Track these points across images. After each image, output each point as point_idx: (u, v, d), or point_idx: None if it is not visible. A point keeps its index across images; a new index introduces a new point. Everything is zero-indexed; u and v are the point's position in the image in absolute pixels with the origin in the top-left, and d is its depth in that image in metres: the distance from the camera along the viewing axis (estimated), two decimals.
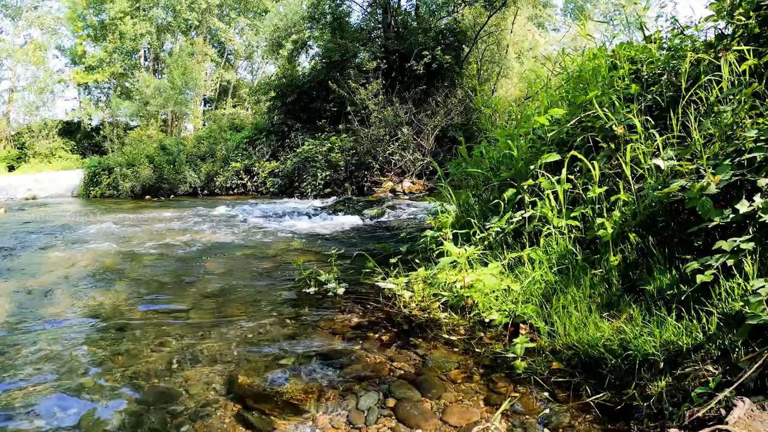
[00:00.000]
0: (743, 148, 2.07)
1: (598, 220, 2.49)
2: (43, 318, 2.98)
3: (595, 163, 2.68)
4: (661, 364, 1.79)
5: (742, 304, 1.68)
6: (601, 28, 22.75)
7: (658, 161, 2.36)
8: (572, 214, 2.72)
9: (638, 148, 2.53)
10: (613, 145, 2.78)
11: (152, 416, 1.86)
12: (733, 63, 2.39)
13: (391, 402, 1.93)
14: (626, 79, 3.04)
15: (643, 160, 2.51)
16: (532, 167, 3.10)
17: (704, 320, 1.84)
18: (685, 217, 2.27)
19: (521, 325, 2.39)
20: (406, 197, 10.22)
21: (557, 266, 2.59)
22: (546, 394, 1.91)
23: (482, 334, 2.49)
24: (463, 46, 14.03)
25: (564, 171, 2.80)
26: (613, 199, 2.51)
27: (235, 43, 26.99)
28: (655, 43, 3.17)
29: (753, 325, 1.60)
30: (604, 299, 2.31)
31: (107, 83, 24.92)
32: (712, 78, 2.48)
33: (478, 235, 3.23)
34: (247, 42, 27.13)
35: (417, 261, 3.53)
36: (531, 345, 2.20)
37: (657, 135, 2.48)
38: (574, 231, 2.72)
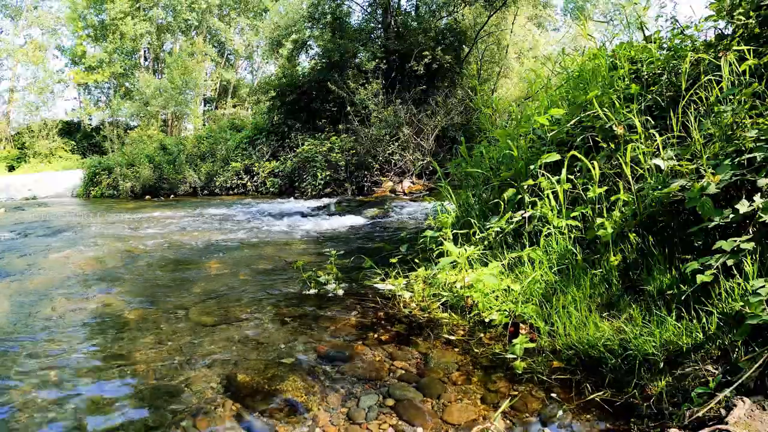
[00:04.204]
0: (743, 148, 2.07)
1: (598, 220, 2.49)
2: (43, 318, 2.98)
3: (595, 163, 2.68)
4: (661, 364, 1.79)
5: (742, 304, 1.68)
6: (601, 28, 22.73)
7: (658, 161, 2.36)
8: (572, 214, 2.72)
9: (638, 148, 2.53)
10: (613, 145, 2.78)
11: (152, 416, 1.86)
12: (733, 63, 2.39)
13: (391, 401, 1.93)
14: (626, 79, 3.04)
15: (643, 160, 2.51)
16: (532, 167, 3.11)
17: (704, 320, 1.84)
18: (685, 217, 2.27)
19: (521, 325, 2.39)
20: (406, 197, 10.22)
21: (557, 266, 2.59)
22: (546, 393, 1.91)
23: (482, 334, 2.49)
24: (463, 46, 14.02)
25: (564, 171, 2.80)
26: (613, 199, 2.51)
27: (235, 43, 26.98)
28: (655, 43, 3.17)
29: (753, 325, 1.60)
30: (604, 299, 2.31)
31: (107, 83, 24.91)
32: (712, 78, 2.48)
33: (478, 235, 3.23)
34: (247, 42, 27.13)
35: (417, 261, 3.53)
36: (531, 345, 2.20)
37: (657, 135, 2.48)
38: (574, 231, 2.72)
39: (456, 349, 2.36)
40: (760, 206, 1.83)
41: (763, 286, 1.64)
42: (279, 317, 2.89)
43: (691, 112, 2.42)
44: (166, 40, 25.37)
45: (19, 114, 24.48)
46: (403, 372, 2.17)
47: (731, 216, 1.90)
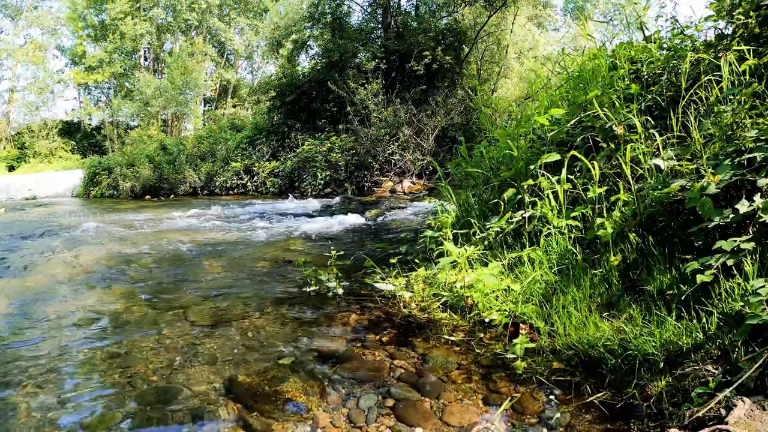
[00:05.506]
0: (743, 148, 2.07)
1: (598, 220, 2.49)
2: (43, 318, 2.98)
3: (595, 163, 2.68)
4: (661, 364, 1.79)
5: (742, 304, 1.68)
6: (601, 28, 22.73)
7: (658, 161, 2.36)
8: (572, 214, 2.72)
9: (638, 148, 2.53)
10: (613, 145, 2.78)
11: (152, 416, 1.86)
12: (733, 63, 2.39)
13: (390, 402, 1.93)
14: (626, 79, 3.04)
15: (643, 160, 2.51)
16: (532, 167, 3.11)
17: (704, 320, 1.84)
18: (685, 217, 2.27)
19: (521, 325, 2.39)
20: (406, 197, 10.21)
21: (557, 266, 2.59)
22: (546, 394, 1.91)
23: (482, 334, 2.49)
24: (463, 46, 14.03)
25: (564, 171, 2.80)
26: (613, 199, 2.51)
27: (235, 43, 26.98)
28: (655, 43, 3.17)
29: (753, 325, 1.61)
30: (604, 299, 2.31)
31: (107, 83, 24.91)
32: (712, 78, 2.48)
33: (478, 235, 3.23)
34: (247, 42, 27.13)
35: (417, 261, 3.53)
36: (531, 345, 2.20)
37: (657, 135, 2.48)
38: (574, 231, 2.72)
39: (456, 349, 2.36)
40: (760, 206, 1.83)
41: (763, 286, 1.64)
42: (279, 317, 2.89)
43: (691, 112, 2.42)
44: (166, 40, 25.37)
45: (19, 114, 24.52)
46: (403, 372, 2.17)
47: (731, 216, 1.90)
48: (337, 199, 10.37)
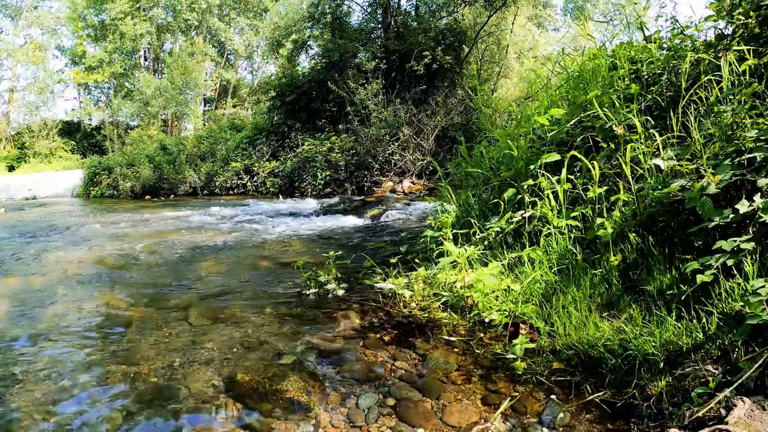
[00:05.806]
0: (743, 148, 2.07)
1: (598, 220, 2.49)
2: (43, 318, 2.98)
3: (595, 163, 2.68)
4: (661, 364, 1.80)
5: (742, 304, 1.68)
6: (601, 28, 22.73)
7: (658, 161, 2.36)
8: (572, 214, 2.72)
9: (638, 148, 2.53)
10: (613, 145, 2.78)
11: (152, 416, 1.86)
12: (733, 63, 2.39)
13: (391, 401, 1.93)
14: (626, 79, 3.04)
15: (643, 160, 2.51)
16: (532, 167, 3.11)
17: (704, 320, 1.84)
18: (685, 217, 2.27)
19: (521, 325, 2.39)
20: (406, 197, 10.21)
21: (557, 266, 2.59)
22: (546, 393, 1.91)
23: (482, 334, 2.49)
24: (463, 46, 14.02)
25: (564, 171, 2.80)
26: (613, 199, 2.51)
27: (235, 43, 26.99)
28: (655, 43, 3.17)
29: (753, 325, 1.61)
30: (604, 299, 2.31)
31: (107, 83, 24.90)
32: (712, 78, 2.48)
33: (478, 235, 3.23)
34: (247, 42, 27.14)
35: (417, 261, 3.53)
36: (531, 345, 2.20)
37: (657, 135, 2.48)
38: (574, 231, 2.72)
39: (456, 350, 2.36)
40: (760, 206, 1.83)
41: (763, 286, 1.64)
42: (279, 317, 2.89)
43: (691, 112, 2.42)
44: (166, 40, 25.37)
45: (19, 114, 24.52)
46: (403, 372, 2.17)
47: (731, 216, 1.90)
48: (337, 199, 10.38)
